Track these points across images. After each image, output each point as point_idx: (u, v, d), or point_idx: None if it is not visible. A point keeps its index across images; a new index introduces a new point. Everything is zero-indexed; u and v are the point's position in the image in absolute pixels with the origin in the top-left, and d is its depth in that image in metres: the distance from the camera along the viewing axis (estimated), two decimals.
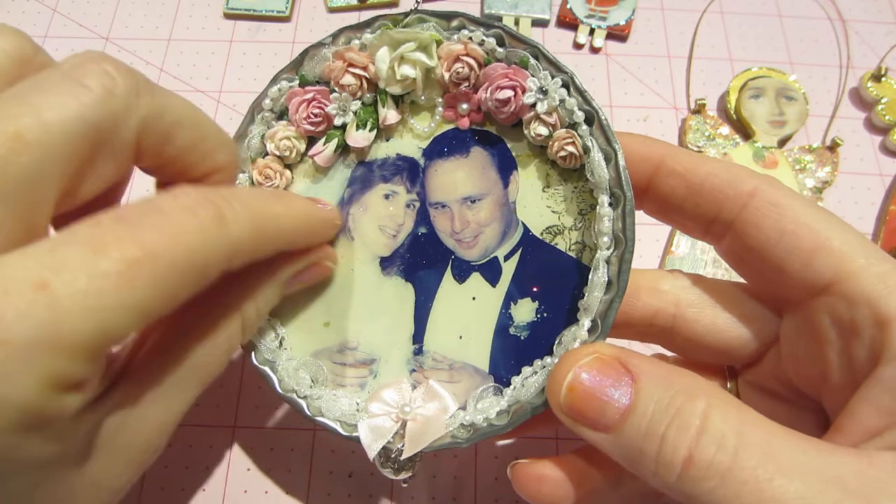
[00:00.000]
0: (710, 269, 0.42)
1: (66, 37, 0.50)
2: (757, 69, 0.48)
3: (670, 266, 0.42)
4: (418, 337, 0.30)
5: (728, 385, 0.30)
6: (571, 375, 0.23)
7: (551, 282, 0.28)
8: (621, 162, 0.26)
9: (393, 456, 0.28)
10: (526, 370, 0.28)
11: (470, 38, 0.28)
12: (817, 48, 0.50)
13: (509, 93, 0.28)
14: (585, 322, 0.26)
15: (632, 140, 0.27)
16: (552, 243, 0.29)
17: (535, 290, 0.29)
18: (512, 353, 0.29)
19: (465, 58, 0.28)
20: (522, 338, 0.29)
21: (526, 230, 0.29)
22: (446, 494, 0.36)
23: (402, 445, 0.28)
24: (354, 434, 0.28)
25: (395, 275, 0.30)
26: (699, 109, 0.47)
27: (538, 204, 0.29)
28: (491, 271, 0.29)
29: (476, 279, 0.29)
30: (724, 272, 0.41)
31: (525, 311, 0.29)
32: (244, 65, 0.49)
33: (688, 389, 0.22)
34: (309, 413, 0.29)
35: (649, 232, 0.43)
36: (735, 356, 0.28)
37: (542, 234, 0.29)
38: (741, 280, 0.28)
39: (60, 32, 0.50)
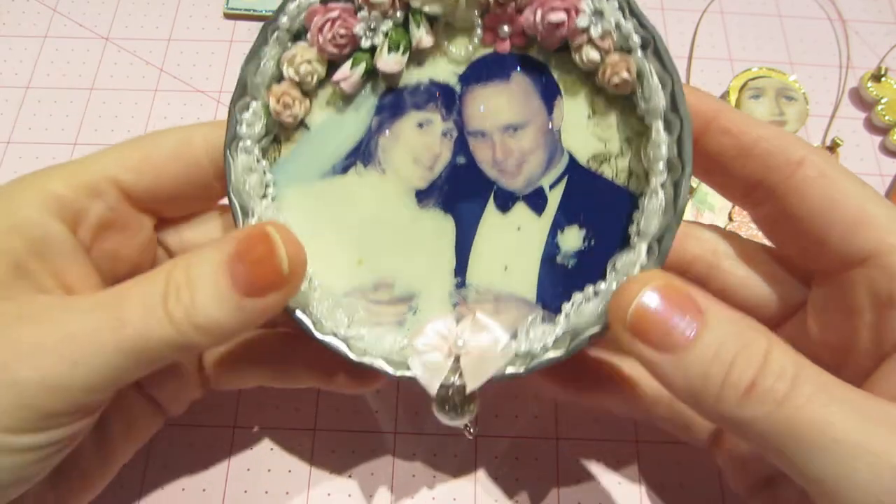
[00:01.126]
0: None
1: (66, 37, 0.50)
2: (757, 69, 0.48)
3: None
4: (460, 270, 0.29)
5: None
6: (643, 294, 0.23)
7: (599, 210, 0.28)
8: (678, 87, 0.25)
9: (451, 394, 0.27)
10: (577, 296, 0.27)
11: None
12: (817, 48, 0.50)
13: (562, 15, 0.26)
14: (642, 246, 0.26)
15: (686, 92, 0.26)
16: (598, 171, 0.28)
17: (582, 218, 0.28)
18: (560, 281, 0.28)
19: None
20: (570, 266, 0.28)
21: (571, 158, 0.28)
22: (446, 494, 0.36)
23: (458, 381, 0.27)
24: (405, 372, 0.27)
25: (432, 207, 0.29)
26: None
27: (583, 131, 0.28)
28: (536, 201, 0.28)
29: (520, 209, 0.28)
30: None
31: (572, 239, 0.28)
32: None
33: (753, 326, 0.23)
34: (353, 355, 0.27)
35: None
36: (760, 315, 0.28)
37: (587, 161, 0.28)
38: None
39: (60, 32, 0.50)
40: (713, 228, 0.29)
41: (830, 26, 0.51)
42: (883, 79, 0.48)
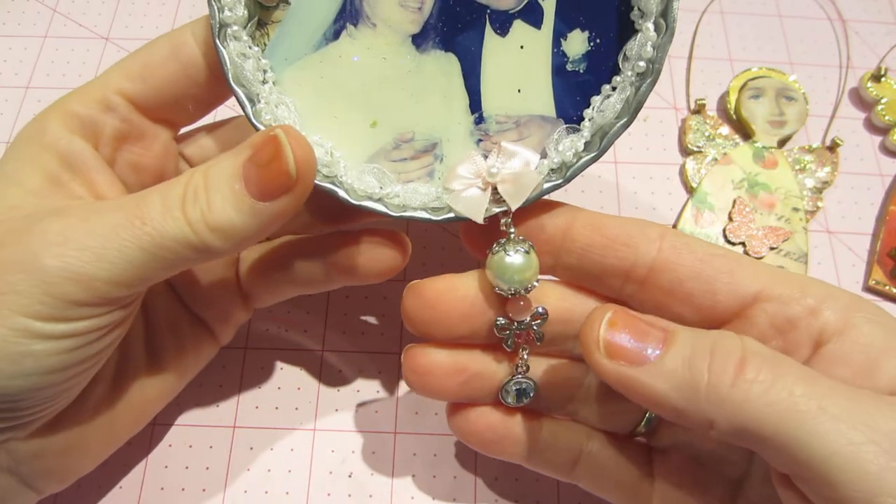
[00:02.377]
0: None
1: (66, 37, 0.50)
2: (757, 69, 0.48)
3: None
4: (475, 105, 0.28)
5: None
6: (607, 317, 0.24)
7: (595, 5, 0.27)
8: None
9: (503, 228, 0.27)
10: (596, 99, 0.27)
11: None
12: (817, 48, 0.50)
13: None
14: (648, 26, 0.25)
15: (543, 204, 0.28)
16: None
17: (581, 19, 0.27)
18: (576, 89, 0.28)
19: None
20: (581, 71, 0.28)
21: None
22: (446, 494, 0.36)
23: (502, 208, 0.27)
24: (447, 215, 0.27)
25: (432, 49, 0.28)
26: (699, 109, 0.47)
27: None
28: (532, 13, 0.28)
29: (519, 27, 0.28)
30: None
31: (577, 43, 0.28)
32: None
33: (718, 331, 0.24)
34: (392, 212, 0.28)
35: None
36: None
37: None
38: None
39: (60, 32, 0.50)
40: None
41: (830, 26, 0.51)
42: (883, 79, 0.48)
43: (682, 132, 0.47)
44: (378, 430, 0.37)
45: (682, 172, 0.46)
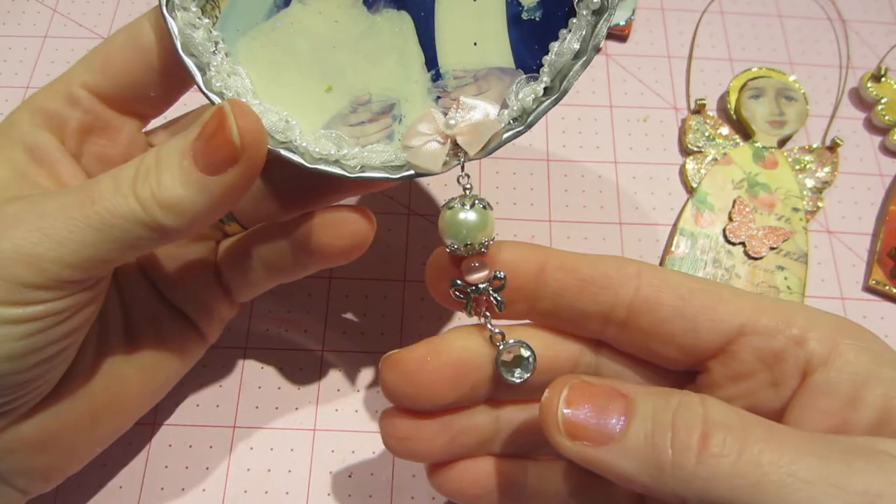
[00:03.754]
0: (710, 269, 0.42)
1: (66, 37, 0.50)
2: (757, 69, 0.48)
3: (670, 266, 0.42)
4: (431, 62, 0.28)
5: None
6: (565, 396, 0.23)
7: None
8: None
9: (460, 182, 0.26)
10: (554, 45, 0.27)
11: None
12: (817, 48, 0.51)
13: None
14: None
15: (512, 247, 0.27)
16: None
17: None
18: (532, 38, 0.27)
19: None
20: (537, 19, 0.27)
21: None
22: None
23: (460, 160, 0.26)
24: (405, 172, 0.27)
25: (383, 8, 0.28)
26: (699, 109, 0.47)
27: None
28: None
29: None
30: (724, 272, 0.41)
31: None
32: None
33: (680, 393, 0.23)
34: (349, 174, 0.27)
35: (650, 232, 0.43)
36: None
37: None
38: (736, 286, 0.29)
39: (60, 32, 0.50)
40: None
41: (830, 26, 0.51)
42: (883, 79, 0.48)
43: (682, 132, 0.47)
44: (378, 431, 0.37)
45: (682, 172, 0.46)
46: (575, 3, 0.26)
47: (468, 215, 0.26)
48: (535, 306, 0.27)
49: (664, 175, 0.46)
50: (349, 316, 0.40)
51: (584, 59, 0.26)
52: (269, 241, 0.32)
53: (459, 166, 0.27)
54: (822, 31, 0.51)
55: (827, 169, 0.45)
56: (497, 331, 0.27)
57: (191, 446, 0.37)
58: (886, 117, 0.46)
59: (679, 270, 0.27)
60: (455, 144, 0.26)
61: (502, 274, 0.27)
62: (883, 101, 0.47)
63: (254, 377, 0.39)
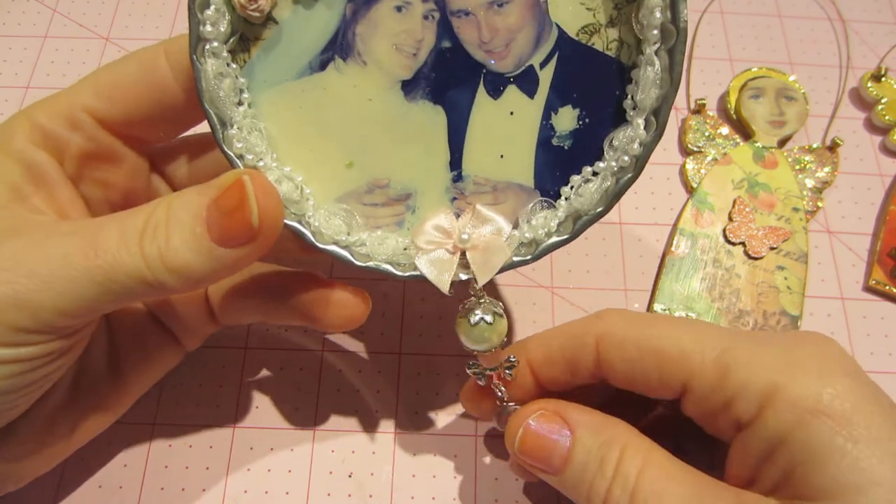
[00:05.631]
0: (710, 269, 0.42)
1: (66, 37, 0.50)
2: (757, 69, 0.48)
3: (670, 266, 0.42)
4: (456, 163, 0.28)
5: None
6: (522, 430, 0.28)
7: (591, 85, 0.27)
8: None
9: (477, 294, 0.27)
10: (575, 179, 0.27)
11: None
12: (817, 48, 0.50)
13: None
14: (639, 121, 0.25)
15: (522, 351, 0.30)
16: (589, 44, 0.27)
17: (574, 95, 0.27)
18: (557, 164, 0.28)
19: None
20: (566, 147, 0.28)
21: (561, 32, 0.27)
22: (446, 494, 0.36)
23: (469, 276, 0.27)
24: (412, 273, 0.27)
25: (420, 99, 0.27)
26: (699, 109, 0.47)
27: (570, 1, 0.26)
28: (527, 82, 0.27)
29: (512, 92, 0.27)
30: (724, 272, 0.41)
31: (566, 119, 0.27)
32: None
33: (611, 438, 0.26)
34: (357, 262, 0.27)
35: (650, 232, 0.43)
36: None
37: (577, 34, 0.27)
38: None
39: (60, 32, 0.50)
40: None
41: (830, 26, 0.51)
42: (883, 79, 0.48)
43: (682, 132, 0.47)
44: (378, 431, 0.37)
45: (682, 172, 0.46)
46: (605, 146, 0.27)
47: (482, 324, 0.27)
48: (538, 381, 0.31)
49: (664, 175, 0.46)
50: None
51: (601, 209, 0.27)
52: (270, 295, 0.32)
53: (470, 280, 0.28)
54: (822, 31, 0.51)
55: (827, 169, 0.45)
56: (503, 393, 0.30)
57: (191, 446, 0.37)
58: (886, 117, 0.46)
59: (637, 314, 0.29)
60: (463, 255, 0.27)
61: (513, 358, 0.29)
62: (883, 101, 0.47)
63: (254, 377, 0.39)
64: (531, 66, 0.27)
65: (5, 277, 0.23)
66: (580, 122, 0.27)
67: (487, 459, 0.37)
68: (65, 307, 0.23)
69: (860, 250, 0.43)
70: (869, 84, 0.48)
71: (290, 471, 0.36)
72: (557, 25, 0.27)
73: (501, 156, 0.28)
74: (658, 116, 0.25)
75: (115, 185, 0.30)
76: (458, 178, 0.28)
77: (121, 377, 0.32)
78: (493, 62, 0.27)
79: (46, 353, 0.25)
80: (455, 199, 0.28)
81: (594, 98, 0.27)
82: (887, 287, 0.41)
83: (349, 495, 0.36)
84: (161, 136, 0.31)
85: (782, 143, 0.46)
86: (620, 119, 0.27)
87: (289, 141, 0.28)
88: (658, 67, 0.25)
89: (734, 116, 0.47)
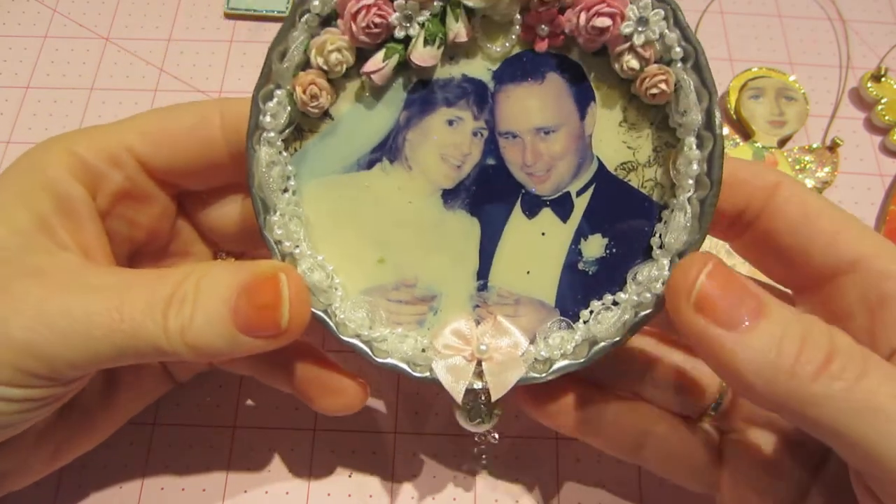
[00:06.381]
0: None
1: (66, 37, 0.50)
2: (757, 69, 0.48)
3: None
4: (483, 273, 0.29)
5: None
6: (705, 272, 0.23)
7: (623, 218, 0.28)
8: (714, 104, 0.25)
9: (478, 401, 0.28)
10: (595, 304, 0.28)
11: None
12: (817, 48, 0.50)
13: (608, 21, 0.25)
14: (665, 261, 0.26)
15: None
16: (626, 179, 0.28)
17: (606, 226, 0.28)
18: (580, 287, 0.29)
19: None
20: (591, 273, 0.28)
21: (601, 165, 0.28)
22: (446, 494, 0.36)
23: (483, 385, 0.27)
24: (426, 374, 0.28)
25: (458, 209, 0.28)
26: None
27: (614, 138, 0.28)
28: (563, 207, 0.28)
29: (546, 215, 0.28)
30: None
31: (595, 246, 0.28)
32: (244, 65, 0.49)
33: (810, 315, 0.23)
34: (377, 358, 0.28)
35: None
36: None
37: (615, 169, 0.28)
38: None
39: (60, 32, 0.50)
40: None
41: (830, 26, 0.51)
42: (883, 79, 0.48)
43: None
44: (378, 430, 0.37)
45: None
46: (629, 278, 0.28)
47: (478, 426, 0.29)
48: None
49: None
50: None
51: (617, 339, 0.27)
52: (272, 366, 0.32)
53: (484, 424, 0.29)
54: (822, 31, 0.51)
55: (827, 169, 0.45)
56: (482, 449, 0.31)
57: (191, 446, 0.37)
58: (886, 117, 0.46)
59: (815, 192, 0.28)
60: (479, 364, 0.28)
61: (496, 436, 0.30)
62: (883, 101, 0.47)
63: (254, 377, 0.39)
64: (568, 193, 0.28)
65: (27, 324, 0.23)
66: (607, 251, 0.28)
67: (487, 460, 0.37)
68: (78, 361, 0.24)
69: None
70: (869, 84, 0.48)
71: (290, 471, 0.36)
72: (598, 159, 0.28)
73: (528, 272, 0.29)
74: (683, 259, 0.26)
75: (142, 224, 0.30)
76: (483, 287, 0.29)
77: (113, 404, 0.32)
78: (532, 185, 0.28)
79: (49, 396, 0.25)
80: (477, 306, 0.29)
81: (624, 231, 0.28)
82: None
83: (349, 495, 0.36)
84: (196, 184, 0.31)
85: (782, 143, 0.46)
86: (647, 253, 0.28)
87: (326, 230, 0.29)
88: (689, 215, 0.26)
89: (734, 116, 0.47)
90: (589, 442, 0.31)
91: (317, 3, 0.25)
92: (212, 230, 0.33)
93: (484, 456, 0.30)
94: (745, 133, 0.46)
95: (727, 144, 0.46)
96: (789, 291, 0.29)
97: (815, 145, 0.46)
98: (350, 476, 0.36)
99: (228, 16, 0.51)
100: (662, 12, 0.25)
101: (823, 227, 0.26)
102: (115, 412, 0.33)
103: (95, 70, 0.49)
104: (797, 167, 0.45)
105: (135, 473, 0.36)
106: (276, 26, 0.51)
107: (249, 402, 0.38)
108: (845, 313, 0.25)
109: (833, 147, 0.45)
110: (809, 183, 0.44)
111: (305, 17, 0.26)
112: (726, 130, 0.46)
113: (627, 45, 0.25)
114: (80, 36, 0.50)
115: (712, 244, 0.42)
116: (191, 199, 0.32)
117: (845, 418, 0.21)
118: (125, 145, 0.28)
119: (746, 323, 0.22)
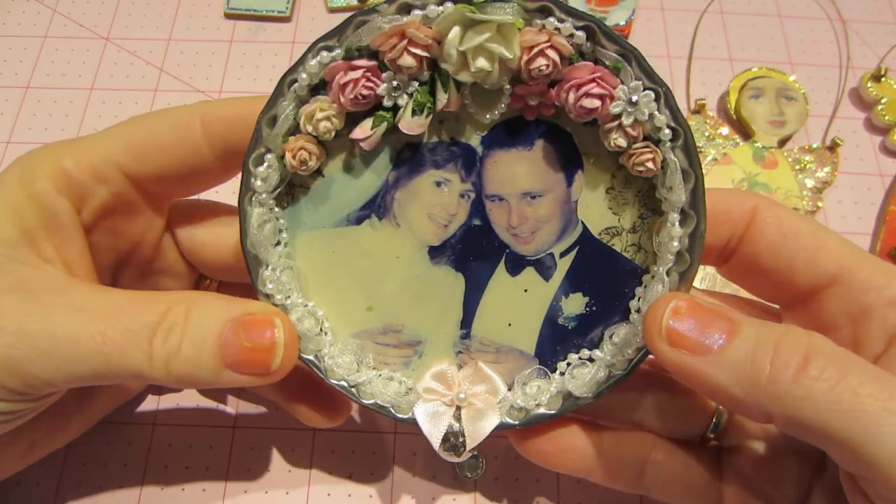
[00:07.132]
0: (710, 269, 0.42)
1: (66, 37, 0.50)
2: (757, 69, 0.48)
3: None
4: (466, 323, 0.30)
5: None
6: (672, 307, 0.24)
7: (604, 280, 0.29)
8: (700, 185, 0.25)
9: (453, 441, 0.29)
10: (572, 357, 0.29)
11: (557, 30, 0.25)
12: (817, 48, 0.51)
13: (597, 102, 0.25)
14: (640, 327, 0.26)
15: None
16: (609, 244, 0.28)
17: (587, 286, 0.29)
18: (558, 340, 0.29)
19: (550, 51, 0.25)
20: (570, 327, 0.29)
21: (585, 229, 0.28)
22: (446, 494, 0.36)
23: (459, 428, 0.29)
24: (408, 416, 0.29)
25: (444, 264, 0.29)
26: (699, 109, 0.47)
27: (599, 204, 0.28)
28: (545, 267, 0.29)
29: (529, 273, 0.29)
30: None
31: (575, 304, 0.29)
32: (244, 65, 0.49)
33: (785, 325, 0.23)
34: (364, 400, 0.29)
35: None
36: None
37: (600, 234, 0.28)
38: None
39: (60, 32, 0.50)
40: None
41: (830, 26, 0.51)
42: (883, 79, 0.48)
43: None
44: (378, 430, 0.37)
45: None
46: (605, 335, 0.29)
47: (464, 472, 0.31)
48: None
49: None
50: None
51: (589, 396, 0.28)
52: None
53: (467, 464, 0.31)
54: (822, 31, 0.51)
55: (827, 169, 0.45)
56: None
57: (191, 446, 0.37)
58: (886, 117, 0.46)
59: (793, 210, 0.28)
60: (458, 409, 0.29)
61: (481, 472, 0.31)
62: (883, 101, 0.47)
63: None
64: (551, 254, 0.29)
65: (8, 341, 0.23)
66: (587, 309, 0.29)
67: (488, 460, 0.37)
68: (55, 380, 0.24)
69: None
70: (869, 84, 0.48)
71: (289, 471, 0.36)
72: (583, 223, 0.28)
73: (510, 324, 0.30)
74: (652, 302, 0.26)
75: (126, 234, 0.30)
76: (466, 335, 0.30)
77: (89, 406, 0.32)
78: (516, 245, 0.29)
79: (20, 410, 0.25)
80: (460, 352, 0.30)
81: (604, 291, 0.29)
82: None
83: (349, 495, 0.36)
84: (186, 192, 0.31)
85: (782, 143, 0.46)
86: (626, 314, 0.28)
87: (317, 279, 0.30)
88: (667, 285, 0.26)
89: (734, 116, 0.47)
90: (588, 478, 0.31)
91: (304, 75, 0.26)
92: (199, 261, 0.33)
93: (478, 470, 0.31)
94: (745, 133, 0.46)
95: (727, 144, 0.46)
96: (777, 307, 0.29)
97: (815, 145, 0.46)
98: (350, 476, 0.36)
99: (228, 16, 0.51)
100: (653, 94, 0.25)
101: (804, 244, 0.26)
102: (91, 412, 0.33)
103: (95, 70, 0.49)
104: (797, 167, 0.45)
105: (135, 473, 0.36)
106: (276, 26, 0.51)
107: (249, 402, 0.38)
108: (830, 325, 0.26)
109: (833, 147, 0.45)
110: (809, 183, 0.44)
111: (294, 87, 0.26)
112: (726, 130, 0.46)
113: (616, 123, 0.26)
114: (80, 36, 0.50)
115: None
116: (174, 216, 0.32)
117: (831, 419, 0.21)
118: (111, 160, 0.28)
119: (720, 343, 0.23)
